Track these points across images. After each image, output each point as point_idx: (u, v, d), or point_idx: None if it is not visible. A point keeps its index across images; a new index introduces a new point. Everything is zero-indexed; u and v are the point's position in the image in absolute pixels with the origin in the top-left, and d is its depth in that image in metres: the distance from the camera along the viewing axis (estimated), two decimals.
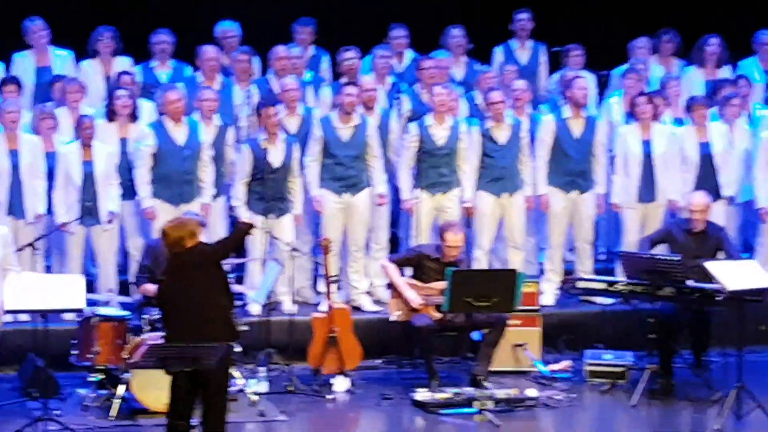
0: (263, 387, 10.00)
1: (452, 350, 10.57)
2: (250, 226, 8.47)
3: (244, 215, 10.28)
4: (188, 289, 7.80)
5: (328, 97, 11.75)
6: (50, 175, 10.72)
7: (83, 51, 11.95)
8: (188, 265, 7.87)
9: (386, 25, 12.28)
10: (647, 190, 11.36)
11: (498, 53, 12.64)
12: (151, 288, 9.54)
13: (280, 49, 11.75)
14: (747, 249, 11.67)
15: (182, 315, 7.77)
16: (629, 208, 11.42)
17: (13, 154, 10.63)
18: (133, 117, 11.04)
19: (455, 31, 12.31)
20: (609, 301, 10.79)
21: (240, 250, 9.81)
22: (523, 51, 12.64)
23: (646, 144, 11.32)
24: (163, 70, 11.93)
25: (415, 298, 10.15)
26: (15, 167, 10.63)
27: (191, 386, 7.74)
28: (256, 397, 9.75)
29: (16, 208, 10.66)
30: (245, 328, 9.16)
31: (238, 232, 8.39)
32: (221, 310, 7.93)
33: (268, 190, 10.75)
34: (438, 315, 10.07)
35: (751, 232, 11.82)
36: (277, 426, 9.47)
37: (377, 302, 11.20)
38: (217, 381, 7.80)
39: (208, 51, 11.66)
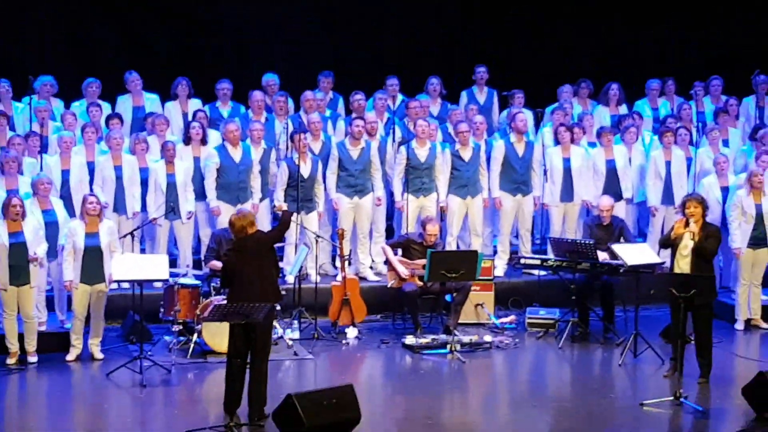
0: (296, 334, 10.05)
1: (431, 308, 10.55)
2: (292, 213, 8.47)
3: (285, 206, 10.21)
4: (249, 265, 7.80)
5: (342, 127, 11.76)
6: (144, 184, 10.73)
7: (167, 94, 11.96)
8: (249, 248, 7.87)
9: (384, 76, 12.29)
10: (567, 193, 11.37)
11: (463, 96, 12.61)
12: (216, 264, 9.58)
13: (308, 94, 11.74)
14: (641, 235, 11.71)
15: (244, 282, 7.77)
16: (555, 206, 11.45)
17: (117, 169, 10.64)
18: (204, 142, 11.03)
19: (433, 80, 12.29)
20: (542, 272, 10.81)
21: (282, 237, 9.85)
22: (481, 94, 12.62)
23: (567, 161, 11.35)
24: (225, 108, 11.90)
25: (404, 271, 10.20)
26: (119, 178, 10.63)
27: (245, 334, 7.72)
28: (291, 342, 9.80)
29: (119, 208, 10.68)
30: (284, 292, 9.17)
31: (284, 222, 8.29)
32: (271, 280, 7.96)
33: (300, 193, 10.77)
34: (420, 283, 10.12)
35: (644, 222, 11.86)
36: (306, 362, 9.51)
37: (378, 274, 11.19)
38: (263, 332, 7.77)
39: (256, 95, 11.65)
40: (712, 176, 11.03)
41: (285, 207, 8.54)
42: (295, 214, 10.33)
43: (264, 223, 10.65)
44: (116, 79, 11.85)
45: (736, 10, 13.38)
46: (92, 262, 9.33)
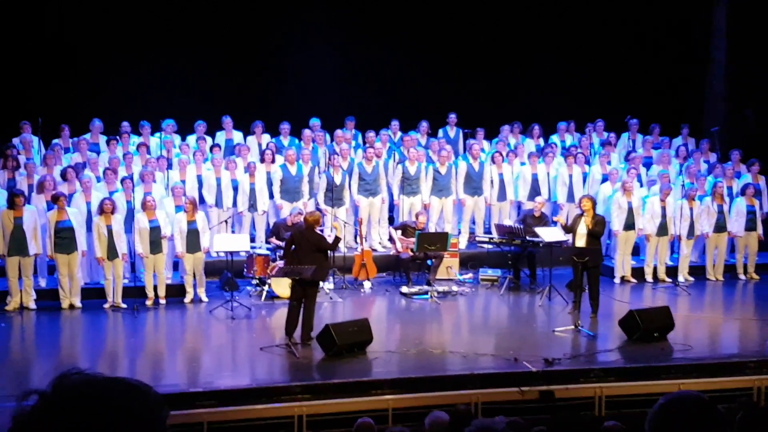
0: (331, 285, 9.99)
1: (418, 268, 10.51)
2: (340, 240, 8.29)
3: (339, 231, 9.63)
4: (305, 245, 7.77)
5: (361, 153, 11.65)
6: (234, 189, 10.64)
7: (248, 131, 11.92)
8: (309, 237, 7.81)
9: (389, 120, 12.22)
10: (501, 196, 11.32)
11: (440, 133, 12.49)
12: (274, 241, 9.64)
13: (338, 131, 11.69)
14: (553, 223, 11.67)
15: (300, 255, 7.75)
16: (495, 204, 11.39)
17: (218, 179, 10.59)
18: (273, 162, 10.96)
19: (423, 123, 12.21)
20: (490, 246, 10.79)
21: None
22: (451, 131, 12.55)
23: (501, 175, 11.26)
24: (285, 140, 11.80)
25: (401, 245, 10.24)
26: (218, 185, 10.59)
27: (300, 286, 7.76)
28: (328, 290, 9.78)
29: (219, 204, 10.58)
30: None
31: (334, 244, 8.03)
32: (318, 259, 7.83)
33: (334, 195, 10.80)
34: (412, 252, 10.11)
35: (555, 213, 11.79)
36: (337, 303, 9.49)
37: (384, 247, 11.14)
38: (311, 284, 7.78)
39: (306, 132, 11.54)
40: (608, 184, 10.97)
41: (339, 233, 8.39)
42: (331, 209, 10.39)
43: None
44: (216, 120, 11.85)
45: (617, 72, 13.33)
46: (192, 239, 9.35)
